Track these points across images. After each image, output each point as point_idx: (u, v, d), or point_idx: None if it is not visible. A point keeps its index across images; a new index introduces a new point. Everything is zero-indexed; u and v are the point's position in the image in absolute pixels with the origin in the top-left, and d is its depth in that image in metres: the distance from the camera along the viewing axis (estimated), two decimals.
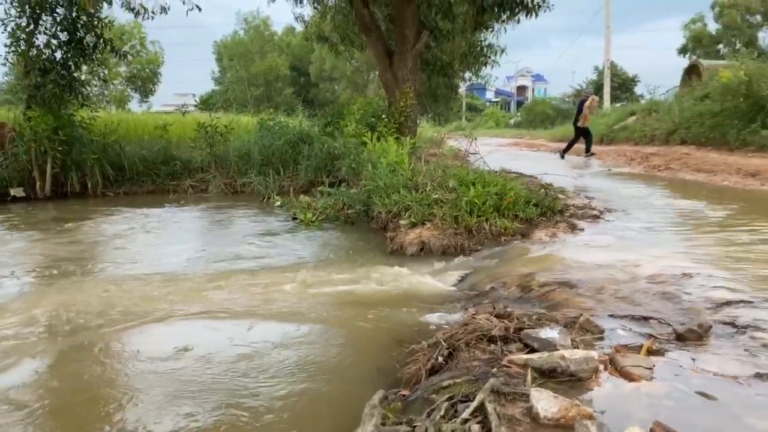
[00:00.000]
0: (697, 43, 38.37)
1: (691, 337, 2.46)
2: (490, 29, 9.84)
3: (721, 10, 37.61)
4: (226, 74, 52.99)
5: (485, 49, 10.95)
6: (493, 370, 2.12)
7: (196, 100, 19.79)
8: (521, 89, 70.78)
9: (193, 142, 10.78)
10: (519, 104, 63.70)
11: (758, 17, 37.24)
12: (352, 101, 11.37)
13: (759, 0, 36.18)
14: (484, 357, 2.30)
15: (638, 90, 41.18)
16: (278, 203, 8.12)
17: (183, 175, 10.40)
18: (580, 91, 31.54)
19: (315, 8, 11.12)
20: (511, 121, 52.67)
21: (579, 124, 15.84)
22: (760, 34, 37.31)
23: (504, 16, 7.87)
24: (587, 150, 16.06)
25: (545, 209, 5.49)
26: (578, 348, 2.32)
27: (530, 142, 24.19)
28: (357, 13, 9.29)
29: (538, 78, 71.70)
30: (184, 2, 9.42)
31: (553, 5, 7.49)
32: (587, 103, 15.91)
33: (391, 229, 5.69)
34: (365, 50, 12.27)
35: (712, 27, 38.95)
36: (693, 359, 2.24)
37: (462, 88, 41.73)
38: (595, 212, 5.84)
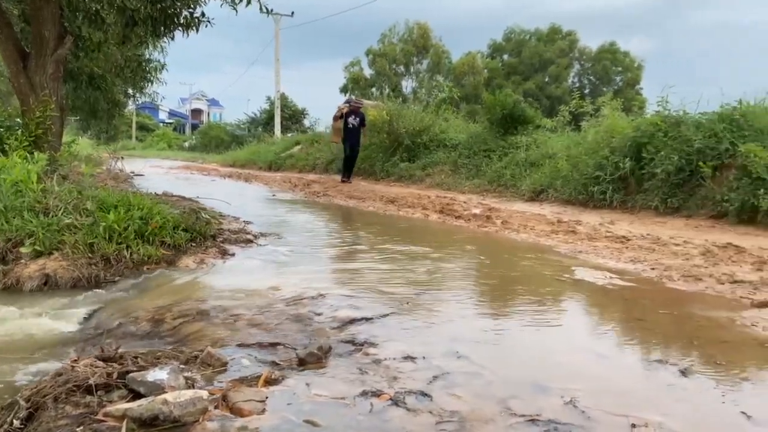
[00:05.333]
0: (356, 84, 42.96)
1: (312, 360, 2.46)
2: (145, 44, 9.25)
3: (373, 57, 42.92)
4: None
5: (143, 64, 10.29)
6: (79, 429, 1.76)
7: None
8: (196, 112, 69.83)
9: None
10: (194, 127, 62.66)
11: (401, 68, 43.50)
12: None
13: (402, 53, 42.39)
14: (76, 412, 1.91)
15: (307, 122, 44.21)
16: None
17: None
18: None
19: None
20: (186, 144, 51.45)
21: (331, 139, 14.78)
22: (403, 82, 43.61)
23: (159, 31, 7.44)
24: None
25: (196, 234, 5.23)
26: (193, 387, 2.11)
27: (202, 166, 23.80)
28: None
29: (213, 103, 71.65)
30: None
31: (213, 21, 7.34)
32: (336, 113, 14.40)
33: (10, 260, 4.75)
34: None
35: (368, 72, 44.14)
36: (308, 384, 2.21)
37: (131, 106, 39.19)
38: (249, 236, 5.81)
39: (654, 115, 9.00)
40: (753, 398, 2.24)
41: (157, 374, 2.06)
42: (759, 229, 6.40)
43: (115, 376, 2.10)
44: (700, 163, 7.37)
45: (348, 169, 13.93)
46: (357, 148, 14.01)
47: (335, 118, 14.26)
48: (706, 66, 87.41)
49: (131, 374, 2.08)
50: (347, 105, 14.76)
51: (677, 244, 5.63)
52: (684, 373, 2.44)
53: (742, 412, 2.06)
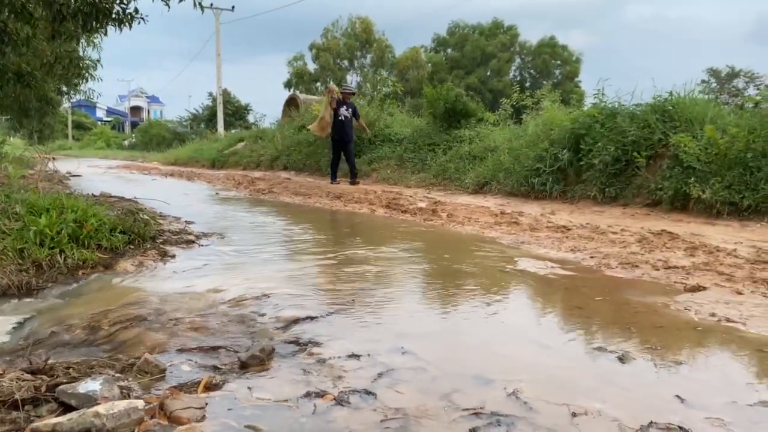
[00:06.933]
0: (300, 79, 42.60)
1: (254, 363, 2.41)
2: (77, 40, 8.86)
3: (317, 52, 42.60)
4: None
5: (75, 61, 9.85)
6: None
7: None
8: (136, 110, 67.81)
9: None
10: (134, 125, 60.83)
11: (346, 62, 43.34)
12: None
13: (345, 48, 42.23)
14: (1, 430, 1.82)
15: (251, 118, 43.60)
16: None
17: None
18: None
19: None
20: (125, 142, 50.02)
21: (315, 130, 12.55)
22: (348, 77, 43.45)
23: (91, 26, 7.12)
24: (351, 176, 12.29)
25: (134, 236, 5.06)
26: (128, 396, 2.03)
27: (143, 165, 23.10)
28: None
29: (153, 99, 69.78)
30: None
31: (147, 17, 7.07)
32: (326, 100, 12.37)
33: None
34: None
35: (312, 66, 43.78)
36: (249, 388, 2.17)
37: (66, 104, 37.71)
38: (190, 237, 5.66)
39: (591, 107, 9.25)
40: (686, 381, 2.32)
41: (90, 385, 1.97)
42: (691, 215, 6.68)
43: (44, 389, 2.00)
44: (635, 153, 7.62)
45: (336, 170, 12.63)
46: (351, 144, 12.44)
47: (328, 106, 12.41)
48: (640, 58, 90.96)
49: (61, 386, 1.99)
50: (337, 92, 12.65)
51: (615, 233, 5.81)
52: (622, 359, 2.51)
53: (677, 396, 2.13)
